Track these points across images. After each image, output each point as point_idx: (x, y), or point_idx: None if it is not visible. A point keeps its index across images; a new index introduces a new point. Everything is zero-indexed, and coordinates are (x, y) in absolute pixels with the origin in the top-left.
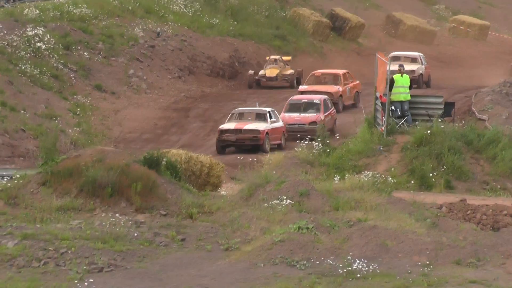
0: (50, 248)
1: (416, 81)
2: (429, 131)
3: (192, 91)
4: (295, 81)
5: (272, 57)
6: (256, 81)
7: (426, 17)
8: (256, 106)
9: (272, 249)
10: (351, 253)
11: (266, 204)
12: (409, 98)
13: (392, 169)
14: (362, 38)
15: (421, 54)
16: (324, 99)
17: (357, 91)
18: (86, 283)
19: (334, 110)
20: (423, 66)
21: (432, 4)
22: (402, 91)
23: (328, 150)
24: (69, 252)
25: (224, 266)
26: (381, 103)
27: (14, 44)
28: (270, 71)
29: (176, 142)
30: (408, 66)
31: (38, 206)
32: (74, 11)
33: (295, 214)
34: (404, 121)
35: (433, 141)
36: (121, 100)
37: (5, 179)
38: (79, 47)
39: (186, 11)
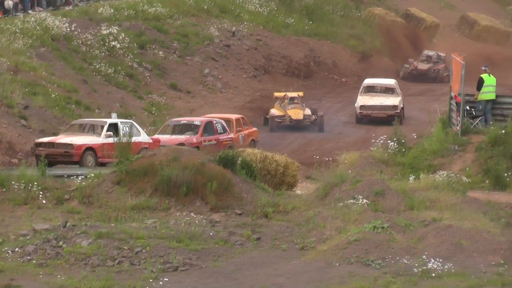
0: (125, 247)
1: (399, 117)
2: (503, 131)
3: (267, 90)
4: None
5: (290, 94)
6: (277, 124)
7: (500, 17)
8: (111, 117)
9: (347, 249)
10: (426, 253)
11: (341, 204)
12: (495, 97)
13: (467, 168)
14: (436, 38)
15: (394, 80)
16: (209, 122)
17: (253, 139)
18: (161, 282)
19: (230, 135)
20: (400, 96)
21: (506, 5)
22: (491, 89)
23: (403, 150)
24: (144, 251)
25: (299, 266)
26: (456, 103)
27: (89, 43)
28: (294, 112)
29: (251, 143)
30: (386, 100)
31: (113, 205)
32: (148, 10)
33: (370, 213)
34: (484, 120)
35: (508, 141)
36: (196, 99)
37: (79, 178)
38: (153, 46)
39: (261, 10)
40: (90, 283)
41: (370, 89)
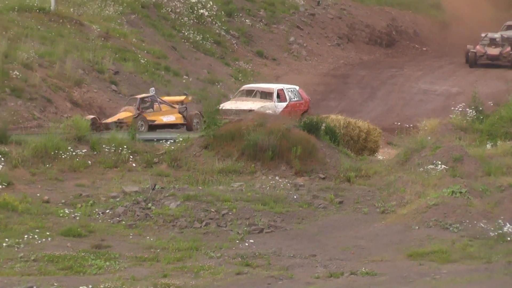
0: (212, 210)
1: None
2: None
3: (350, 58)
4: None
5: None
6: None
7: None
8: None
9: (427, 213)
10: (502, 217)
11: (421, 169)
12: None
13: None
14: None
15: (283, 86)
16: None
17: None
18: (246, 244)
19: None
20: (282, 103)
21: None
22: None
23: (481, 117)
24: (230, 213)
25: (380, 228)
26: None
27: (178, 10)
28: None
29: (335, 108)
30: (248, 104)
31: (200, 168)
32: None
33: (448, 178)
34: None
35: None
36: (282, 66)
37: (168, 142)
38: (241, 14)
39: None
40: (178, 244)
41: (249, 94)
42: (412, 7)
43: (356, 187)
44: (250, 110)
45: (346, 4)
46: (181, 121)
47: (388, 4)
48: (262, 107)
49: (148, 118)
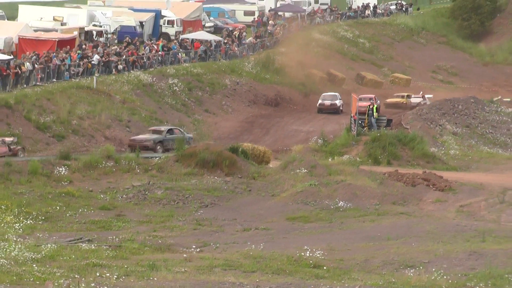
0: (180, 195)
1: None
2: (378, 134)
3: (255, 113)
4: None
5: None
6: None
7: (378, 73)
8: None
9: (296, 195)
10: (337, 198)
11: (293, 172)
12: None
13: (359, 154)
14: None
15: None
16: None
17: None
18: (198, 213)
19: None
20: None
21: (381, 67)
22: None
23: (326, 144)
24: (190, 196)
25: (271, 204)
26: (353, 119)
27: (162, 87)
28: None
29: (246, 139)
30: None
31: (174, 172)
32: None
33: (308, 177)
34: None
35: (380, 139)
36: (218, 117)
37: (157, 158)
38: (196, 89)
39: None
40: (161, 213)
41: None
42: (287, 84)
43: (258, 182)
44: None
45: (252, 84)
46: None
47: (276, 83)
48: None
49: None
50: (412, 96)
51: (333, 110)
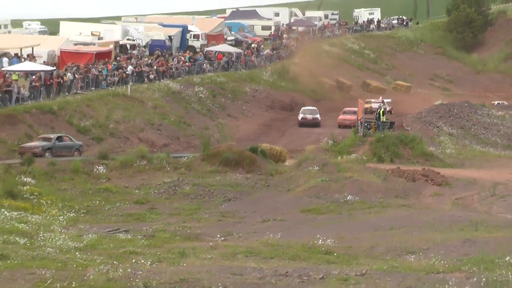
0: (206, 190)
1: None
2: (382, 135)
3: (272, 116)
4: None
5: None
6: None
7: (381, 81)
8: None
9: (309, 190)
10: (346, 192)
11: (306, 169)
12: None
13: (365, 153)
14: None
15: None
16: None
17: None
18: (223, 206)
19: None
20: None
21: (384, 75)
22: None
23: (335, 144)
24: (215, 192)
25: (287, 198)
26: (360, 122)
27: (189, 94)
28: None
29: (264, 140)
30: None
31: (201, 170)
32: None
33: (320, 174)
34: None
35: (384, 140)
36: (239, 120)
37: (185, 158)
38: (219, 96)
39: None
40: (189, 206)
41: None
42: (301, 91)
43: (276, 178)
44: None
45: (269, 91)
46: None
47: (290, 90)
48: None
49: None
50: (372, 101)
51: (315, 124)
